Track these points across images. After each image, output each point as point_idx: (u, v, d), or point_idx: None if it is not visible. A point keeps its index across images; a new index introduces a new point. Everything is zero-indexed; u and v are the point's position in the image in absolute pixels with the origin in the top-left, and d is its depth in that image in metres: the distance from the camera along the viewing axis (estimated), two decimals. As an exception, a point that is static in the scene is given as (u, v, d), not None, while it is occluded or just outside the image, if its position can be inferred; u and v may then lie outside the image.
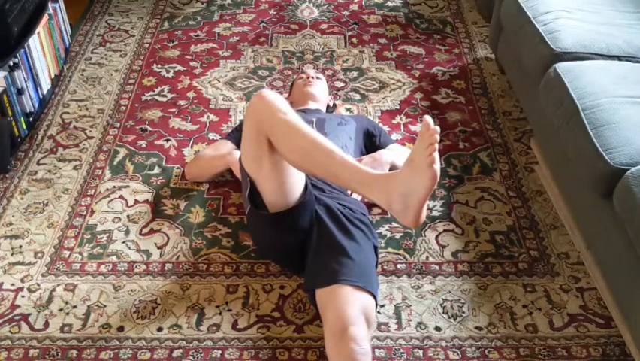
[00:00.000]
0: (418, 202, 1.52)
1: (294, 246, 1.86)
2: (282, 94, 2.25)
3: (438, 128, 1.49)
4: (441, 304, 1.86)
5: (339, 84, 2.80)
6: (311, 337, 1.76)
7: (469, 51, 3.01)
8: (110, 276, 1.94)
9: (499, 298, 1.87)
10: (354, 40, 3.11)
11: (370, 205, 2.13)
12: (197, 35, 3.14)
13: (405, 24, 3.23)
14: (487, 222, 2.12)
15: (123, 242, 2.05)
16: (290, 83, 2.60)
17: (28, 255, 2.00)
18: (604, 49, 2.10)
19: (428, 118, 1.51)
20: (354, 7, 3.39)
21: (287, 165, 1.73)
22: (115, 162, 2.36)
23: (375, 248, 1.88)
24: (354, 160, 1.66)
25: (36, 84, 2.54)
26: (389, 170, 2.10)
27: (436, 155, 1.48)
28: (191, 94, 2.73)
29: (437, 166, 1.48)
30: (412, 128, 2.53)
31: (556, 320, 1.81)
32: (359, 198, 2.06)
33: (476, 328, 1.79)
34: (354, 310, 1.62)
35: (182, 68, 2.89)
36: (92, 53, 3.00)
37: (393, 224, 2.10)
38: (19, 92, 2.39)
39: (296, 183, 1.78)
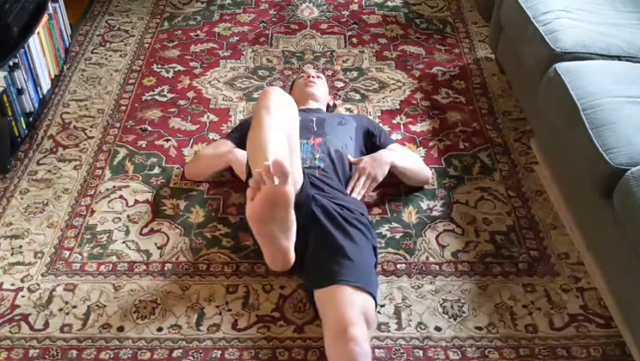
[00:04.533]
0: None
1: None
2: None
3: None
4: (441, 304, 1.85)
5: (339, 84, 2.80)
6: (311, 337, 1.76)
7: (469, 51, 3.01)
8: (110, 276, 1.94)
9: (499, 298, 1.87)
10: (354, 40, 3.11)
11: (370, 205, 2.13)
12: (197, 35, 3.14)
13: (405, 24, 3.22)
14: (487, 222, 2.12)
15: (123, 242, 2.05)
16: (290, 83, 2.60)
17: (28, 255, 2.00)
18: (604, 49, 2.09)
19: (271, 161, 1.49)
20: (354, 7, 3.39)
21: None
22: (115, 162, 2.36)
23: (375, 248, 1.88)
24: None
25: (36, 84, 2.54)
26: (389, 170, 2.10)
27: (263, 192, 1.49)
28: (191, 94, 2.73)
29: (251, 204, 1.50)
30: (412, 128, 2.52)
31: (556, 320, 1.81)
32: (359, 197, 2.06)
33: (476, 328, 1.79)
34: (353, 311, 1.61)
35: (182, 68, 2.89)
36: (92, 53, 3.00)
37: (394, 224, 2.10)
38: (19, 92, 2.39)
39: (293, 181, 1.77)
